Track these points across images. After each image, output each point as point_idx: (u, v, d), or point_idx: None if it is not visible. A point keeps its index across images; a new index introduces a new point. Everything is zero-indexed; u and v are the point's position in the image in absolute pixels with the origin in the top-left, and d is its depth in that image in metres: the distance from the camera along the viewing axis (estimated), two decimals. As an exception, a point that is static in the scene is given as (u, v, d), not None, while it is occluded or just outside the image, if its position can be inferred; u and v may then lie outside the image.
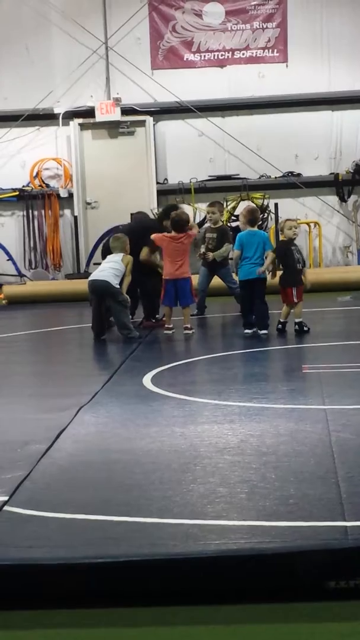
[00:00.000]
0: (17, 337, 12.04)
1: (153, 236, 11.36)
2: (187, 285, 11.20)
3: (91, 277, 11.26)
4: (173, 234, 11.29)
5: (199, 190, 17.38)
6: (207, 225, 13.48)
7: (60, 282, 17.10)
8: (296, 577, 3.98)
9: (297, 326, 10.70)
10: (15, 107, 17.51)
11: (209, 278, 12.70)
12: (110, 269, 10.99)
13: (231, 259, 12.38)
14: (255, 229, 11.10)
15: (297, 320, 10.71)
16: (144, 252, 11.71)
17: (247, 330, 10.77)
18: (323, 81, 17.49)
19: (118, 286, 10.89)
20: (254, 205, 14.18)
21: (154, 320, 12.02)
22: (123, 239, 11.32)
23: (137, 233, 11.87)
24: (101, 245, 13.16)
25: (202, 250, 12.71)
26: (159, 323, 11.79)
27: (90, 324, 11.18)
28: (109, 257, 11.25)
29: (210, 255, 12.37)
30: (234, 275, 12.05)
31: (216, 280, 12.77)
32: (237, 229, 13.38)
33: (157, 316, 12.08)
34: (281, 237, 11.39)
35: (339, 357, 9.20)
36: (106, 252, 11.85)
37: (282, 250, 11.03)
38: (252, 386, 7.85)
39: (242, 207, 16.67)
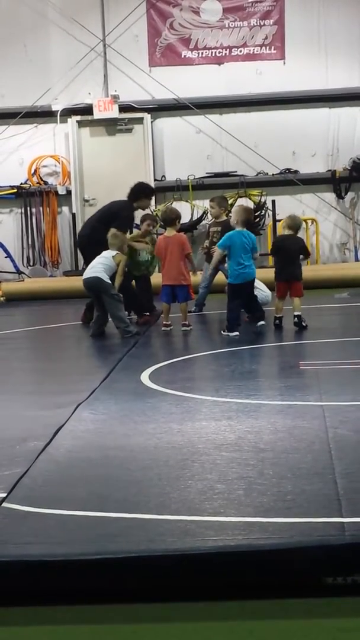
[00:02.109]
0: (15, 334, 12.05)
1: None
2: (185, 288, 11.20)
3: (84, 276, 11.25)
4: (166, 232, 11.34)
5: (196, 187, 17.40)
6: (210, 220, 13.66)
7: (58, 279, 17.12)
8: (293, 573, 3.99)
9: (296, 319, 10.68)
10: (13, 105, 17.52)
11: (212, 274, 12.70)
12: (100, 264, 11.05)
13: None
14: (245, 229, 10.68)
15: (296, 313, 10.70)
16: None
17: (235, 333, 10.41)
18: (320, 78, 17.50)
19: (109, 281, 10.93)
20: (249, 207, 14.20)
21: (148, 314, 12.03)
22: (121, 237, 11.34)
23: (105, 219, 11.93)
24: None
25: (206, 244, 12.72)
26: (154, 316, 11.80)
27: (93, 320, 11.21)
28: (103, 253, 11.26)
29: (215, 249, 12.35)
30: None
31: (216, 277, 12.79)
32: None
33: (154, 311, 12.15)
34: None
35: (336, 354, 9.21)
36: (84, 248, 12.25)
37: (275, 246, 11.17)
38: (250, 383, 7.86)
39: (240, 204, 16.88)
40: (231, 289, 10.66)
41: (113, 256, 11.07)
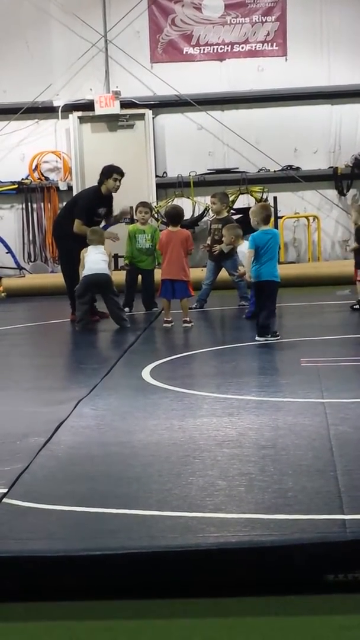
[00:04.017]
0: (16, 330, 12.05)
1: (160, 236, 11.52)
2: (184, 284, 11.18)
3: (90, 272, 11.17)
4: (170, 228, 11.36)
5: (198, 183, 17.38)
6: (211, 216, 13.67)
7: (59, 275, 17.02)
8: (294, 570, 3.98)
9: (357, 305, 11.80)
10: (15, 100, 17.50)
11: (215, 271, 12.68)
12: (103, 261, 11.22)
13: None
14: (270, 227, 10.00)
15: None
16: (76, 225, 11.75)
17: (258, 338, 9.77)
18: (322, 75, 17.48)
19: None
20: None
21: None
22: (100, 232, 11.53)
23: (70, 210, 12.06)
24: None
25: (208, 242, 12.73)
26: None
27: (80, 318, 11.25)
28: (92, 250, 11.25)
29: (217, 248, 12.37)
30: (240, 268, 11.64)
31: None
32: (238, 221, 13.36)
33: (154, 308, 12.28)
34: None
35: (337, 351, 9.20)
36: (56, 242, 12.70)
37: (356, 235, 12.03)
38: (251, 379, 7.86)
39: (241, 200, 16.88)
40: None
41: (103, 250, 11.31)
